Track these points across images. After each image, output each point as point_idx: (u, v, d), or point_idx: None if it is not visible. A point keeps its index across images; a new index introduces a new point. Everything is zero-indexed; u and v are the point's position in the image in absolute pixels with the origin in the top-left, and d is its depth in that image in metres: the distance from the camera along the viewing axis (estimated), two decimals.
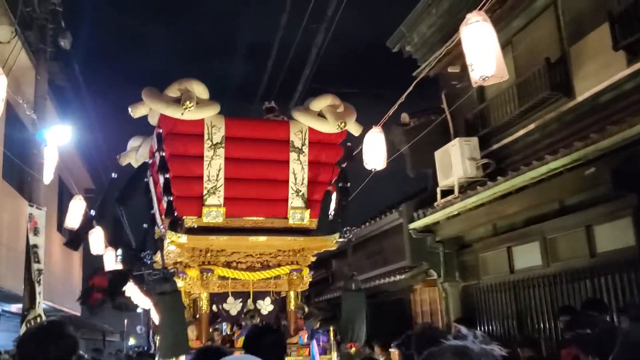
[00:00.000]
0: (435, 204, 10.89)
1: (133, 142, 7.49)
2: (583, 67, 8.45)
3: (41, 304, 8.15)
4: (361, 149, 9.32)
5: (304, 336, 6.81)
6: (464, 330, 2.64)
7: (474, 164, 10.14)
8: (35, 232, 8.21)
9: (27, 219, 8.30)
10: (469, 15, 5.88)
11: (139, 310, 31.41)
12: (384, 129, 8.42)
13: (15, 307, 13.59)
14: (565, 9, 8.83)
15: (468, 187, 10.17)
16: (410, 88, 7.72)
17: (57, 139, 9.39)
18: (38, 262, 7.90)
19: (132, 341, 35.19)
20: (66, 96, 12.14)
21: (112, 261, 17.58)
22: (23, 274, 8.36)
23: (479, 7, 5.97)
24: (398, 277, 12.28)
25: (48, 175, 9.19)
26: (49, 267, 12.74)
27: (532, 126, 9.43)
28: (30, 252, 7.91)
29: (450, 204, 10.19)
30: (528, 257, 9.35)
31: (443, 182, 10.80)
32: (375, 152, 8.54)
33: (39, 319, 8.24)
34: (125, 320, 34.64)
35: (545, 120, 9.11)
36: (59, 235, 15.60)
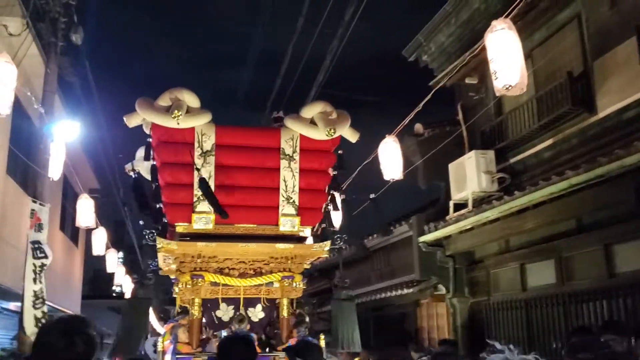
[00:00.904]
0: (448, 217, 10.66)
1: (140, 152, 7.47)
2: (607, 82, 8.22)
3: (43, 305, 7.95)
4: (373, 157, 9.15)
5: (292, 343, 6.70)
6: (498, 345, 2.54)
7: (490, 178, 9.90)
8: (39, 228, 8.00)
9: (29, 215, 8.09)
10: (494, 22, 5.70)
11: None
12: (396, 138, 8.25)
13: (14, 305, 13.39)
14: (590, 22, 8.61)
15: (482, 201, 9.94)
16: (429, 97, 7.55)
17: (65, 134, 9.22)
18: (45, 257, 7.71)
19: None
20: (75, 92, 11.97)
21: (114, 263, 17.44)
22: (23, 272, 8.16)
23: (505, 14, 5.81)
24: (405, 291, 12.04)
25: (55, 171, 9.01)
26: (50, 265, 12.56)
27: (550, 141, 9.20)
28: (33, 249, 7.70)
29: (463, 218, 9.94)
30: (542, 275, 9.09)
31: (456, 196, 10.56)
32: (391, 162, 8.37)
33: (41, 318, 8.05)
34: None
35: (565, 136, 8.87)
36: (61, 234, 15.40)
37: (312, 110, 6.70)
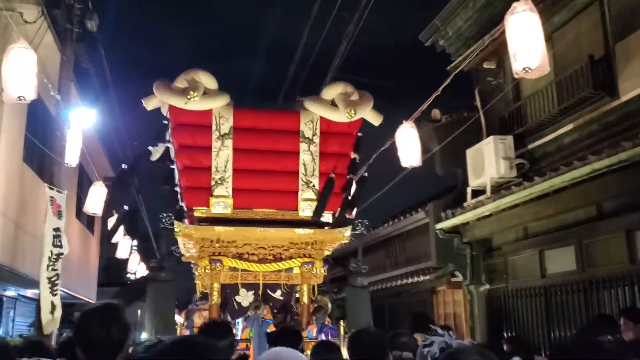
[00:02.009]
0: (465, 204, 10.56)
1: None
2: (629, 66, 8.07)
3: (58, 291, 7.94)
4: (390, 143, 8.99)
5: (312, 330, 6.64)
6: (439, 330, 2.60)
7: (508, 164, 9.78)
8: (60, 215, 7.98)
9: (47, 202, 8.07)
10: (515, 4, 5.56)
11: None
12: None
13: (31, 292, 13.46)
14: (612, 4, 8.45)
15: (500, 187, 9.83)
16: (447, 82, 7.40)
17: (81, 121, 9.19)
18: (60, 245, 7.69)
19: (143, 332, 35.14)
20: (90, 80, 11.92)
21: (127, 250, 17.50)
22: (40, 259, 8.15)
23: None
24: (422, 278, 11.98)
25: (72, 158, 8.98)
26: (67, 253, 12.56)
27: (570, 126, 9.07)
28: (54, 236, 7.69)
29: (481, 204, 9.85)
30: (562, 261, 8.99)
31: (474, 182, 10.45)
32: (409, 149, 8.25)
33: (56, 307, 8.04)
34: (139, 311, 34.58)
35: (586, 120, 8.73)
36: (77, 222, 15.43)
37: (332, 92, 6.58)
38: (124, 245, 15.75)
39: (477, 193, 10.41)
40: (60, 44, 9.74)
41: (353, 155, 6.85)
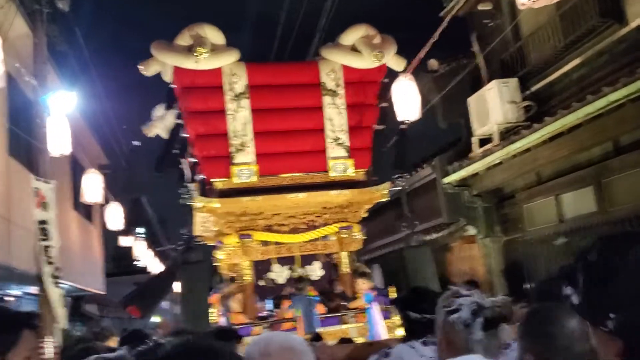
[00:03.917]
0: (472, 154, 10.11)
1: (157, 112, 6.87)
2: None
3: (53, 285, 7.52)
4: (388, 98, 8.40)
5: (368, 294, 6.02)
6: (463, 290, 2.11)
7: (515, 107, 9.30)
8: (45, 207, 7.52)
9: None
10: None
11: None
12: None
13: (35, 289, 13.09)
14: None
15: (507, 133, 9.36)
16: (443, 26, 6.88)
17: (61, 106, 8.69)
18: (47, 238, 7.25)
19: (157, 318, 34.90)
20: (69, 62, 11.39)
21: (131, 238, 17.13)
22: (34, 254, 7.74)
23: None
24: (434, 236, 11.57)
25: (60, 146, 8.51)
26: (67, 245, 12.18)
27: (578, 60, 8.53)
28: (40, 229, 7.25)
29: (490, 153, 9.39)
30: (581, 204, 8.55)
31: (480, 130, 9.98)
32: (407, 102, 7.73)
33: (58, 302, 7.64)
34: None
35: (594, 53, 8.20)
36: (75, 213, 15.03)
37: (352, 36, 6.06)
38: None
39: (483, 142, 9.95)
40: (32, 28, 9.23)
41: (384, 104, 6.27)
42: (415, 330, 2.94)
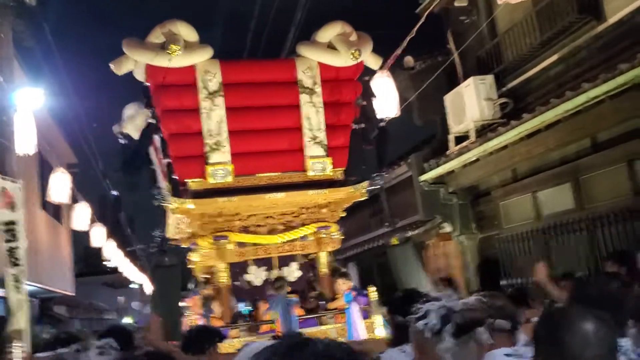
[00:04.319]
0: (448, 151, 10.05)
1: (128, 111, 6.67)
2: None
3: (14, 289, 7.27)
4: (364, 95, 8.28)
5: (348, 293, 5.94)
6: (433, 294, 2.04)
7: (491, 105, 9.26)
8: (12, 207, 7.25)
9: None
10: None
11: (133, 286, 30.83)
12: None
13: (2, 292, 12.74)
14: None
15: (484, 130, 9.31)
16: (420, 23, 6.75)
17: (29, 103, 8.42)
18: (13, 240, 6.99)
19: (128, 319, 34.52)
20: (37, 59, 11.06)
21: (102, 238, 16.79)
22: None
23: None
24: (410, 233, 11.49)
25: (26, 145, 8.23)
26: (35, 246, 11.87)
27: (555, 57, 8.50)
28: (5, 230, 6.98)
29: (466, 150, 9.33)
30: (558, 201, 8.53)
31: (456, 128, 9.94)
32: (385, 99, 7.62)
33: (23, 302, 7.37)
34: (123, 298, 33.95)
35: (572, 49, 8.17)
36: (43, 213, 14.68)
37: (328, 33, 5.93)
38: (97, 232, 15.04)
39: (459, 140, 9.90)
40: None
41: (361, 102, 6.15)
42: (407, 334, 2.82)
